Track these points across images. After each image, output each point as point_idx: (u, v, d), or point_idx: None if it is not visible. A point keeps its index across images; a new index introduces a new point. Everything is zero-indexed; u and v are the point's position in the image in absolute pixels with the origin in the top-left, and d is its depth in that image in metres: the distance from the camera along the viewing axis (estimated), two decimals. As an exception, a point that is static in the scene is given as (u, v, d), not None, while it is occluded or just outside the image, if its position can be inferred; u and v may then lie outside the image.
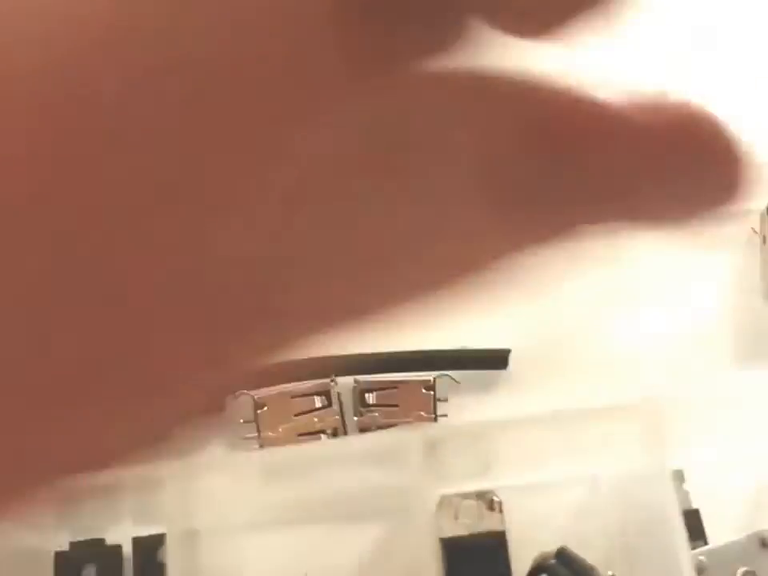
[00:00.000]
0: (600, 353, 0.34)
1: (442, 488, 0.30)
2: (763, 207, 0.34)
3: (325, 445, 0.26)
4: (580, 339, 0.34)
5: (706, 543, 0.29)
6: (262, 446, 0.31)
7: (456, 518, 0.30)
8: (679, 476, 0.30)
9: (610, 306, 0.35)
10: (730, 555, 0.28)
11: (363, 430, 0.31)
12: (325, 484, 0.28)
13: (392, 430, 0.29)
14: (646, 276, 0.35)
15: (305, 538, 0.31)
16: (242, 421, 0.32)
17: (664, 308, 0.34)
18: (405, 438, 0.25)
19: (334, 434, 0.31)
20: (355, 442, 0.25)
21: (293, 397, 0.31)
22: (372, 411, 0.31)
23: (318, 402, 0.31)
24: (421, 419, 0.31)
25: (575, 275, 0.34)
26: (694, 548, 0.28)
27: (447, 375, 0.32)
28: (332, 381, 0.32)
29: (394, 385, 0.32)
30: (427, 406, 0.31)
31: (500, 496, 0.30)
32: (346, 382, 0.32)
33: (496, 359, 0.33)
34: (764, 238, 0.35)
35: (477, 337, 0.34)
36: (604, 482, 0.31)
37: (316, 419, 0.31)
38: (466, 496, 0.30)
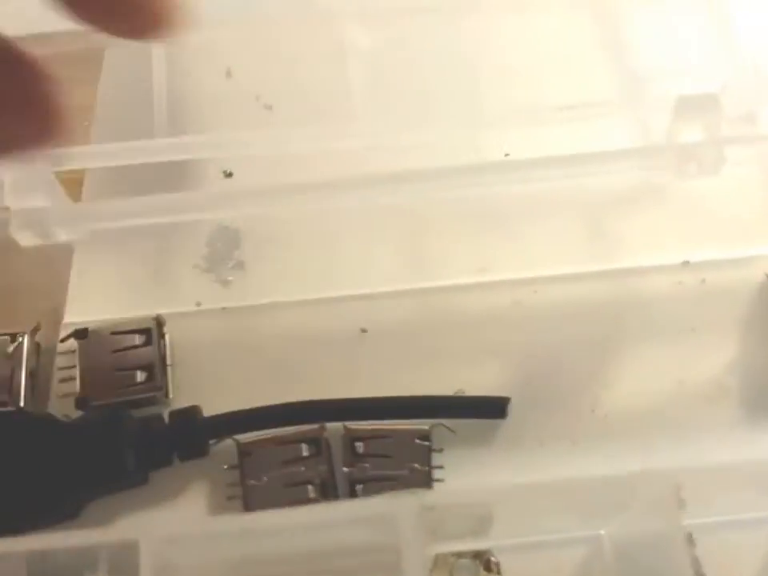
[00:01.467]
0: (604, 405, 0.32)
1: (436, 546, 0.28)
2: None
3: (312, 511, 0.24)
4: (582, 388, 0.32)
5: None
6: (245, 496, 0.29)
7: (451, 578, 0.28)
8: (690, 541, 0.28)
9: (615, 353, 0.33)
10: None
11: (353, 481, 0.29)
12: (311, 542, 0.26)
13: (385, 496, 0.27)
14: (654, 321, 0.33)
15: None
16: (225, 467, 0.30)
17: (671, 357, 0.32)
18: (399, 505, 0.23)
19: (322, 486, 0.29)
20: (345, 508, 0.23)
21: (279, 444, 0.29)
22: (363, 461, 0.29)
23: (305, 449, 0.29)
24: (415, 472, 0.29)
25: (578, 319, 0.32)
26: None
27: (442, 424, 0.30)
28: (321, 427, 0.30)
29: (386, 433, 0.30)
30: (422, 457, 0.29)
31: (498, 556, 0.28)
32: (334, 429, 0.30)
33: (494, 408, 0.31)
34: (778, 284, 0.33)
35: (474, 382, 0.32)
36: (609, 542, 0.29)
37: (303, 468, 0.29)
38: (461, 555, 0.28)
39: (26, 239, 0.27)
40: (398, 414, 0.30)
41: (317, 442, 0.29)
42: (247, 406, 0.30)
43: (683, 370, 0.32)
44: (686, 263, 0.34)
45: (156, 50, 0.31)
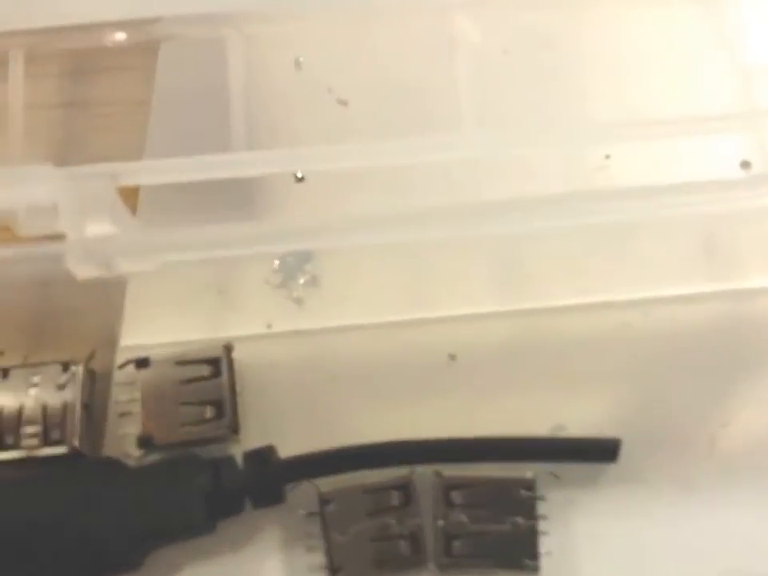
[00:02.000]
0: (725, 444, 0.28)
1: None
2: None
3: None
4: (699, 424, 0.29)
5: None
6: (328, 550, 0.25)
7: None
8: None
9: (736, 384, 0.29)
10: None
11: (449, 537, 0.26)
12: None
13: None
14: None
15: None
16: (303, 513, 0.26)
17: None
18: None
19: (413, 540, 0.25)
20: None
21: (364, 491, 0.26)
22: (459, 514, 0.26)
23: (394, 498, 0.26)
24: (517, 527, 0.26)
25: (694, 345, 0.27)
26: None
27: (551, 472, 0.27)
28: (410, 472, 0.26)
29: (484, 481, 0.26)
30: (524, 509, 0.26)
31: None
32: (421, 474, 0.27)
33: (604, 451, 0.27)
34: None
35: (575, 417, 0.29)
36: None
37: (392, 519, 0.26)
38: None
39: (85, 272, 0.23)
40: (496, 457, 0.27)
41: (406, 489, 0.26)
42: (324, 444, 0.27)
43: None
44: (819, 284, 0.30)
45: (231, 40, 0.27)
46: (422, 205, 0.28)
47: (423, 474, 0.27)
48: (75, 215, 0.23)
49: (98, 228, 0.23)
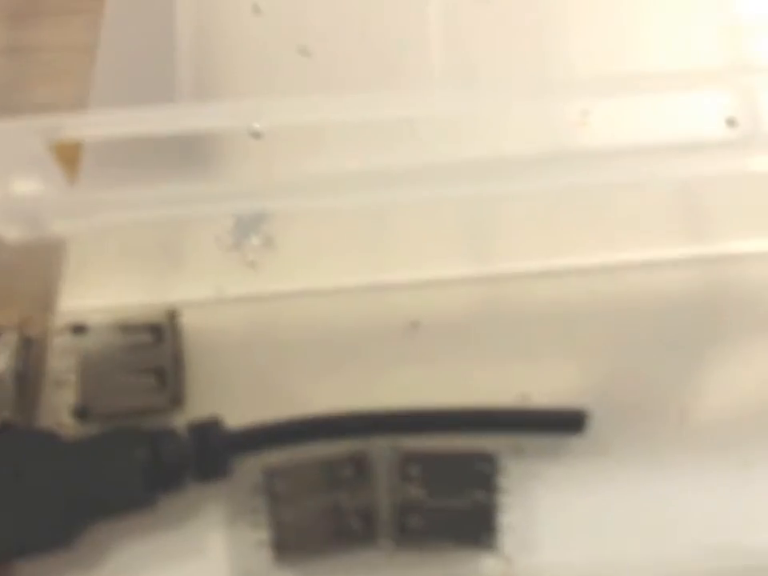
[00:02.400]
0: (695, 415, 0.27)
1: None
2: None
3: None
4: (670, 395, 0.27)
5: None
6: (273, 527, 0.24)
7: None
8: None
9: (709, 353, 0.28)
10: None
11: (404, 512, 0.24)
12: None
13: None
14: (755, 315, 0.28)
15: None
16: (249, 487, 0.25)
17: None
18: None
19: (366, 516, 0.24)
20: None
21: (314, 463, 0.24)
22: (417, 488, 0.24)
23: (348, 472, 0.24)
24: (477, 503, 0.24)
25: (666, 312, 0.26)
26: None
27: (512, 443, 0.25)
28: (366, 444, 0.25)
29: (443, 454, 0.25)
30: (485, 484, 0.25)
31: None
32: (377, 446, 0.25)
33: (569, 421, 0.26)
34: None
35: (541, 386, 0.27)
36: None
37: (344, 494, 0.24)
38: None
39: (12, 234, 0.21)
40: (456, 429, 0.26)
41: (360, 463, 0.25)
42: (276, 415, 0.25)
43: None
44: (794, 249, 0.29)
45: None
46: (388, 164, 0.26)
47: (379, 446, 0.25)
48: (1, 172, 0.21)
49: (26, 186, 0.21)
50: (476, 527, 0.25)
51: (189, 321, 0.27)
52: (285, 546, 0.24)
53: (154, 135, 0.23)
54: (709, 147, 0.25)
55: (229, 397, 0.26)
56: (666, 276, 0.29)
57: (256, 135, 0.29)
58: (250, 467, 0.25)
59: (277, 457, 0.25)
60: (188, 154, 0.28)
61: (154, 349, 0.25)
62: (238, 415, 0.25)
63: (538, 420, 0.26)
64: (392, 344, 0.27)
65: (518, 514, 0.26)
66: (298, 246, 0.29)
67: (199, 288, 0.28)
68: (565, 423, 0.26)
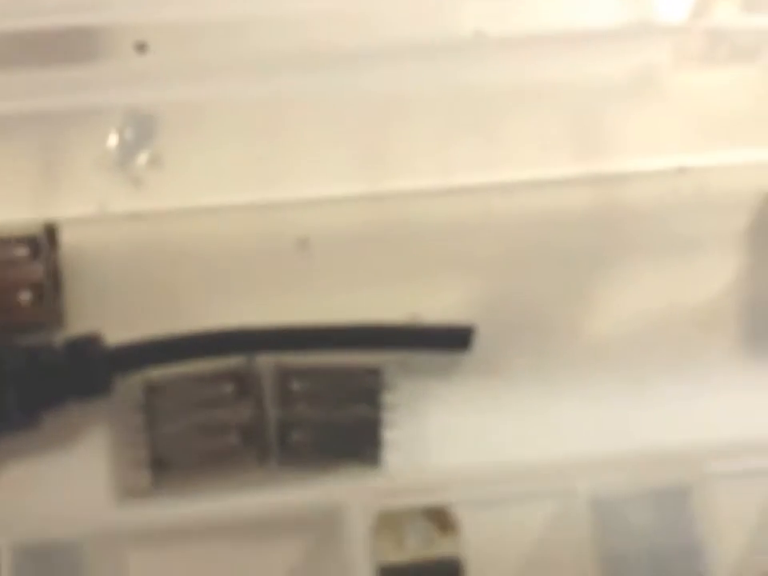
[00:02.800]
0: (586, 333, 0.27)
1: (382, 502, 0.24)
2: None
3: (232, 507, 0.19)
4: (560, 313, 0.28)
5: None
6: (152, 444, 0.24)
7: (400, 540, 0.24)
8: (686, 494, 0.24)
9: (598, 272, 0.28)
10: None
11: (285, 426, 0.24)
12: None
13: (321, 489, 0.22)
14: (644, 234, 0.28)
15: (205, 556, 0.24)
16: (130, 406, 0.25)
17: (663, 278, 0.28)
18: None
19: (247, 432, 0.24)
20: (271, 506, 0.19)
21: (197, 380, 0.24)
22: (298, 403, 0.24)
23: (229, 388, 0.24)
24: (361, 419, 0.24)
25: (558, 231, 0.26)
26: None
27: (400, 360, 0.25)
28: (249, 361, 0.25)
29: (327, 369, 0.25)
30: (370, 399, 0.25)
31: (457, 513, 0.24)
32: (267, 365, 0.25)
33: (456, 338, 0.26)
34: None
35: (432, 305, 0.27)
36: (583, 495, 0.25)
37: (226, 411, 0.24)
38: (413, 513, 0.24)
39: None
40: (342, 345, 0.25)
41: (243, 380, 0.24)
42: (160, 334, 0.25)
43: (676, 292, 0.28)
44: (682, 169, 0.29)
45: None
46: (272, 54, 0.26)
47: (263, 363, 0.25)
48: None
49: None
50: (360, 443, 0.25)
51: (70, 238, 0.26)
52: (163, 465, 0.24)
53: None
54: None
55: (112, 315, 0.26)
56: (557, 194, 0.29)
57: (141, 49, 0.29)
58: (134, 385, 0.25)
59: (161, 374, 0.25)
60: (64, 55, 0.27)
61: (30, 263, 0.24)
62: (123, 334, 0.25)
63: (426, 336, 0.26)
64: (281, 262, 0.27)
65: (404, 430, 0.26)
66: (186, 165, 0.28)
67: (81, 205, 0.27)
68: (452, 340, 0.26)
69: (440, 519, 0.24)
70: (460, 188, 0.28)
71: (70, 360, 0.24)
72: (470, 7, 0.29)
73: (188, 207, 0.27)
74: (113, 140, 0.28)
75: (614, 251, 0.28)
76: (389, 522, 0.24)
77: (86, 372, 0.24)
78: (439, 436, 0.26)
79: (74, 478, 0.25)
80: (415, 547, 0.24)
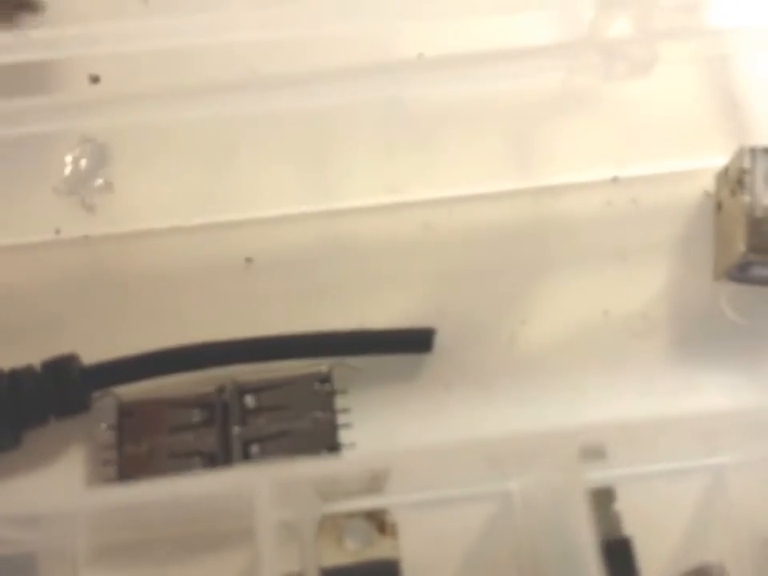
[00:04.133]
0: (523, 340, 0.28)
1: (323, 507, 0.25)
2: (720, 166, 0.29)
3: (162, 487, 0.20)
4: (499, 321, 0.29)
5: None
6: (120, 462, 0.25)
7: (340, 543, 0.25)
8: (608, 495, 0.25)
9: (535, 282, 0.29)
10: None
11: (247, 442, 0.26)
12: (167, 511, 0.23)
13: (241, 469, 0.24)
14: (579, 244, 0.29)
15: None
16: (104, 426, 0.26)
17: (597, 286, 0.29)
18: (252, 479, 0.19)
19: (212, 456, 0.25)
20: (197, 484, 0.20)
21: (167, 406, 0.25)
22: (256, 417, 0.26)
23: (196, 415, 0.26)
24: (318, 422, 0.26)
25: (496, 244, 0.27)
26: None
27: (346, 364, 0.27)
28: (218, 389, 0.26)
29: (280, 381, 0.26)
30: (324, 404, 0.26)
31: (394, 516, 0.25)
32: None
33: (419, 340, 0.27)
34: (719, 204, 0.29)
35: (378, 318, 0.28)
36: (518, 497, 0.26)
37: (192, 436, 0.25)
38: (352, 515, 0.25)
39: None
40: (298, 353, 0.27)
41: (210, 407, 0.26)
42: (117, 354, 0.26)
43: (609, 299, 0.29)
44: (615, 179, 0.30)
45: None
46: (216, 80, 0.27)
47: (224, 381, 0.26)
48: None
49: None
50: (318, 446, 0.26)
51: (27, 262, 0.27)
52: (126, 477, 0.25)
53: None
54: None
55: (68, 336, 0.27)
56: (495, 208, 0.30)
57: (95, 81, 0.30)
58: (111, 404, 0.26)
59: (136, 397, 0.26)
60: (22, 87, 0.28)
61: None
62: (85, 355, 0.26)
63: (390, 340, 0.27)
64: (228, 280, 0.28)
65: (360, 431, 0.26)
66: (136, 190, 0.29)
67: (37, 231, 0.28)
68: (415, 342, 0.27)
69: (379, 521, 0.25)
70: (401, 204, 0.30)
71: (50, 379, 0.25)
72: (412, 31, 0.31)
73: (139, 230, 0.29)
74: (67, 169, 0.29)
75: (550, 261, 0.29)
76: (330, 525, 0.25)
77: (65, 390, 0.25)
78: (392, 436, 0.27)
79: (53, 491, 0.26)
80: (355, 549, 0.25)
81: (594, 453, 0.25)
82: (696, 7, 0.27)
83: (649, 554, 0.25)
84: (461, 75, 0.28)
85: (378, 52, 0.30)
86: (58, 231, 0.28)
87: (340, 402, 0.27)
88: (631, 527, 0.25)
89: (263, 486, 0.19)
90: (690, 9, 0.27)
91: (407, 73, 0.30)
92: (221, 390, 0.26)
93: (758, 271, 0.28)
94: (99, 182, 0.29)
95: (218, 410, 0.26)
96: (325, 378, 0.27)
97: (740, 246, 0.27)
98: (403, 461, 0.21)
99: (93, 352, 0.26)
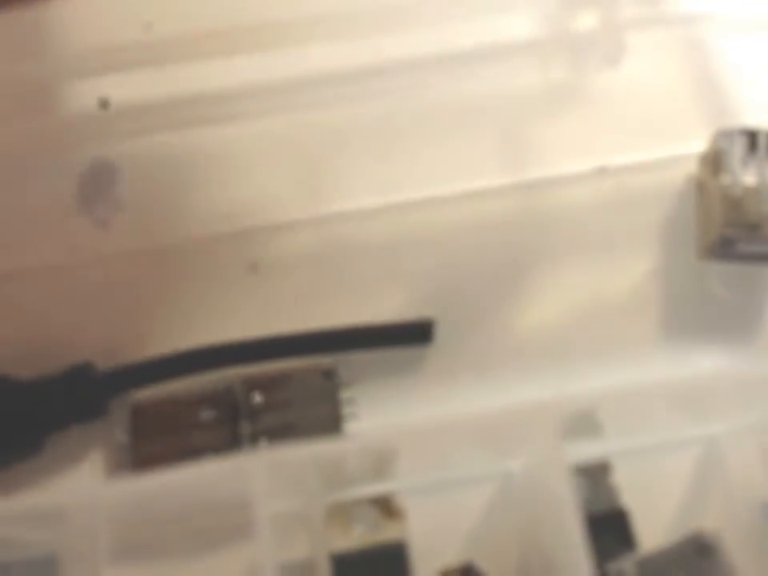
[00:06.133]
0: (519, 326, 0.30)
1: (330, 494, 0.26)
2: (702, 150, 0.30)
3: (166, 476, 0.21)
4: (495, 310, 0.30)
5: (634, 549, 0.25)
6: (135, 462, 0.27)
7: (348, 528, 0.26)
8: (602, 469, 0.26)
9: (529, 271, 0.30)
10: (659, 564, 0.24)
11: (255, 435, 0.27)
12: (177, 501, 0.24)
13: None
14: (570, 233, 0.31)
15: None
16: (119, 428, 0.27)
17: (588, 271, 0.30)
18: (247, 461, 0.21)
19: (222, 454, 0.26)
20: (195, 472, 0.21)
21: (179, 405, 0.27)
22: (264, 412, 0.27)
23: (208, 414, 0.27)
24: (322, 415, 0.27)
25: (489, 237, 0.29)
26: (619, 556, 0.25)
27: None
28: (227, 389, 0.27)
29: (285, 376, 0.27)
30: (329, 397, 0.27)
31: (401, 500, 0.27)
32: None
33: (419, 332, 0.28)
34: (701, 185, 0.30)
35: (380, 314, 0.30)
36: (518, 477, 0.27)
37: (204, 433, 0.27)
38: (359, 502, 0.26)
39: None
40: (300, 351, 0.28)
41: (221, 405, 0.27)
42: (131, 359, 0.28)
43: (600, 284, 0.30)
44: (601, 169, 0.31)
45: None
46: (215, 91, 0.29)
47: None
48: None
49: None
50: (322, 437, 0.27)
51: (44, 278, 0.29)
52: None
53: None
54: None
55: (85, 347, 0.29)
56: (487, 203, 0.31)
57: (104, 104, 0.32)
58: (126, 407, 0.27)
59: (150, 397, 0.27)
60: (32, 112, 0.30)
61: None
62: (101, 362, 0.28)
63: (391, 333, 0.28)
64: (234, 285, 0.30)
65: (365, 425, 0.28)
66: (145, 207, 0.31)
67: (51, 250, 0.30)
68: (416, 334, 0.28)
69: (385, 506, 0.26)
70: (396, 205, 0.31)
71: (68, 387, 0.27)
72: (395, 37, 0.32)
73: (150, 246, 0.30)
74: (79, 187, 0.31)
75: (541, 251, 0.30)
76: (337, 512, 0.26)
77: (84, 396, 0.27)
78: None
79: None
80: (362, 534, 0.26)
81: (586, 426, 0.26)
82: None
83: (646, 525, 0.26)
84: (440, 77, 0.30)
85: (365, 56, 0.31)
86: (71, 250, 0.30)
87: (345, 394, 0.28)
88: (627, 499, 0.26)
89: (260, 470, 0.20)
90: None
91: (394, 76, 0.31)
92: (229, 387, 0.27)
93: (740, 248, 0.29)
94: (110, 201, 0.31)
95: (227, 407, 0.27)
96: (329, 372, 0.28)
97: (719, 223, 0.28)
98: (399, 439, 0.22)
99: (108, 359, 0.28)
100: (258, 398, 0.28)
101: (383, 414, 0.28)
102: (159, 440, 0.27)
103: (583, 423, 0.25)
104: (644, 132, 0.31)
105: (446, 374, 0.29)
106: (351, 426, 0.28)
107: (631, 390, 0.22)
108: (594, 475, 0.26)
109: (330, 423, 0.28)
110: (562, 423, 0.22)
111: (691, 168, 0.31)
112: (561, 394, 0.25)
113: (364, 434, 0.27)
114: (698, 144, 0.30)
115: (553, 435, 0.22)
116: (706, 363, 0.28)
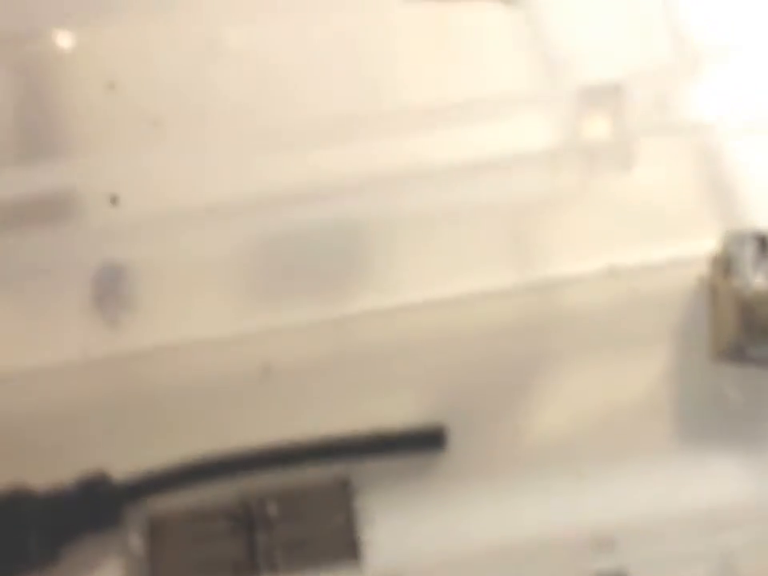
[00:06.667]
0: (527, 433, 0.29)
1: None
2: (712, 251, 0.30)
3: None
4: (503, 416, 0.30)
5: None
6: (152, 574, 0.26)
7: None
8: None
9: (537, 374, 0.30)
10: None
11: (270, 551, 0.27)
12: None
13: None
14: (578, 335, 0.30)
15: None
16: (135, 539, 0.27)
17: (599, 375, 0.30)
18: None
19: (238, 565, 0.26)
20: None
21: (195, 518, 0.27)
22: (277, 526, 0.27)
23: (223, 525, 0.27)
24: (336, 532, 0.27)
25: (496, 339, 0.28)
26: None
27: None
28: (243, 503, 0.27)
29: (299, 487, 0.27)
30: (343, 511, 0.27)
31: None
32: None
33: (431, 439, 0.28)
34: (713, 288, 0.31)
35: (390, 417, 0.29)
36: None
37: (220, 546, 0.27)
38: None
39: None
40: (317, 458, 0.28)
41: (235, 517, 0.27)
42: (146, 465, 0.27)
43: (612, 388, 0.30)
44: (611, 270, 0.31)
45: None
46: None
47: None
48: None
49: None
50: (339, 547, 0.27)
51: (55, 381, 0.29)
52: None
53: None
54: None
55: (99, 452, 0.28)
56: (498, 304, 0.31)
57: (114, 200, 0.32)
58: (142, 518, 0.27)
59: (166, 509, 0.27)
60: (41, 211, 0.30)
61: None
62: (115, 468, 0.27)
63: (404, 441, 0.28)
64: (246, 389, 0.30)
65: (382, 530, 0.28)
66: (157, 306, 0.31)
67: (63, 351, 0.30)
68: (428, 441, 0.28)
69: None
70: (408, 306, 0.31)
71: (83, 497, 0.26)
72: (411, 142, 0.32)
73: (162, 345, 0.30)
74: (91, 287, 0.31)
75: (553, 353, 0.30)
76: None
77: (98, 507, 0.26)
78: (411, 533, 0.28)
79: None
80: None
81: (604, 543, 0.26)
82: (670, 102, 0.28)
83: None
84: (451, 181, 0.30)
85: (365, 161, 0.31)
86: (84, 350, 0.30)
87: (358, 502, 0.28)
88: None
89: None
90: (664, 105, 0.28)
91: (402, 179, 0.31)
92: (244, 499, 0.27)
93: (754, 352, 0.29)
94: (121, 300, 0.31)
95: (243, 519, 0.27)
96: (344, 483, 0.28)
97: (732, 328, 0.28)
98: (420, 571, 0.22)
99: (122, 465, 0.28)
100: (273, 509, 0.27)
101: (397, 520, 0.28)
102: (176, 553, 0.26)
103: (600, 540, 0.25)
104: (655, 233, 0.31)
105: (458, 481, 0.29)
106: (365, 533, 0.28)
107: (651, 517, 0.22)
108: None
109: (345, 535, 0.27)
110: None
111: (702, 269, 0.31)
112: (580, 525, 0.25)
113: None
114: (709, 244, 0.30)
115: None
116: (721, 468, 0.28)
